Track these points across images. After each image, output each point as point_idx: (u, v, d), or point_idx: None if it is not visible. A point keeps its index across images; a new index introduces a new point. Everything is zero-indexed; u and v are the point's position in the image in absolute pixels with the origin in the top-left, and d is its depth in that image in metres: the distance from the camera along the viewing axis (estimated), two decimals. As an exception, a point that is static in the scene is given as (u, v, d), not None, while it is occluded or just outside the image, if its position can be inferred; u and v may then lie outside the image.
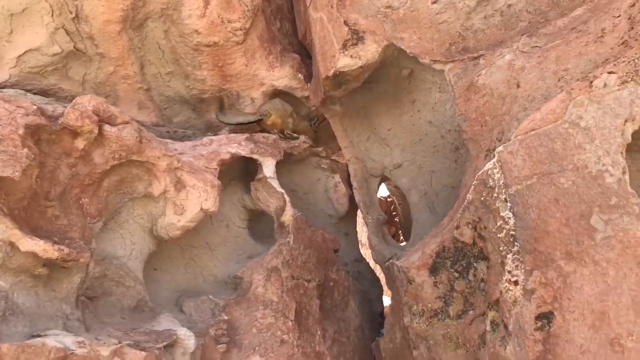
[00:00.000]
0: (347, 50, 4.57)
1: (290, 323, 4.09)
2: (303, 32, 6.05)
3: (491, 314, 3.25)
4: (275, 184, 4.79)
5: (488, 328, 3.26)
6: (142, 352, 3.04)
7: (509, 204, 3.01)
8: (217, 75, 5.56)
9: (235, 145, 4.66)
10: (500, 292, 3.12)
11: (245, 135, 4.93)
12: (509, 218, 3.02)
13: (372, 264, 6.80)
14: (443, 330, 3.64)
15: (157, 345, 3.22)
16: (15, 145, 2.88)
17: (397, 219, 7.34)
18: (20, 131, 2.93)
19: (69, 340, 2.80)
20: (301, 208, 5.15)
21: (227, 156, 4.47)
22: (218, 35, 5.30)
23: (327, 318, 4.59)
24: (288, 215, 4.66)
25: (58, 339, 2.75)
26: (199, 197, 4.04)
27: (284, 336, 4.02)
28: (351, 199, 5.72)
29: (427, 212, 5.40)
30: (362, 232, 8.67)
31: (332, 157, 5.84)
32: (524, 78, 3.70)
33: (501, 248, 3.13)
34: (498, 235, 3.14)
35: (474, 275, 3.46)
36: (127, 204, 3.93)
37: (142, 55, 5.36)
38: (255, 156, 4.75)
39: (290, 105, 5.87)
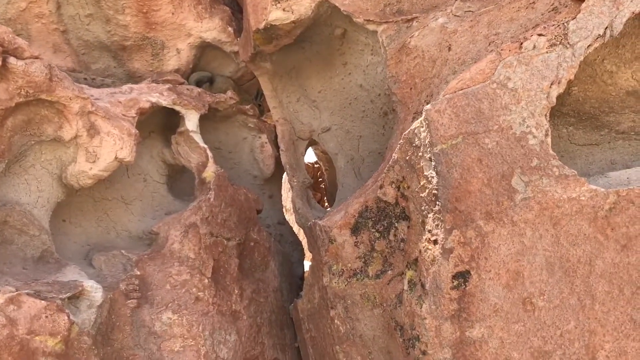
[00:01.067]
0: (279, 2, 4.40)
1: (206, 280, 3.95)
2: (235, -16, 5.83)
3: (409, 273, 3.24)
4: (197, 138, 4.60)
5: (405, 287, 3.25)
6: (42, 302, 2.82)
7: (433, 163, 2.98)
8: (141, 22, 5.25)
9: (156, 95, 4.42)
10: (420, 251, 3.11)
11: (168, 85, 4.69)
12: (432, 177, 2.99)
13: (295, 228, 6.76)
14: (361, 289, 3.62)
15: (60, 296, 3.00)
16: None
17: (323, 185, 7.27)
18: None
19: (-44, 286, 2.56)
20: (225, 167, 4.98)
21: (147, 105, 4.23)
22: (143, -22, 5.00)
23: (246, 278, 4.49)
24: (210, 172, 4.49)
25: (-57, 284, 2.50)
26: (114, 145, 3.80)
27: (199, 293, 3.88)
28: (277, 160, 5.60)
29: (352, 177, 5.36)
30: (287, 198, 8.59)
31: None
32: (456, 41, 3.67)
33: (423, 207, 3.11)
34: (421, 194, 3.11)
35: (395, 235, 3.44)
36: (34, 147, 3.64)
37: (59, -6, 4.98)
38: (177, 107, 4.52)
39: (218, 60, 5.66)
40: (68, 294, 3.07)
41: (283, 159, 5.41)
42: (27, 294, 2.83)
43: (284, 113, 5.52)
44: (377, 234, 3.57)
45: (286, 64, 5.27)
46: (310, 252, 4.31)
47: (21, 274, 3.37)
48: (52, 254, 3.67)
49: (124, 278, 3.76)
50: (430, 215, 3.03)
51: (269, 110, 5.89)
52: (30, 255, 3.56)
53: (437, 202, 2.97)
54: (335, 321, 3.81)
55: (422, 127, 3.08)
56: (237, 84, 5.82)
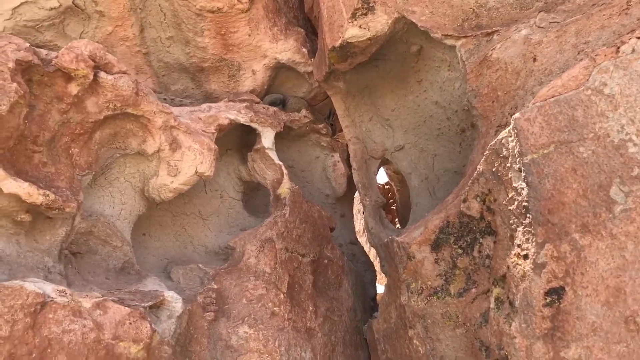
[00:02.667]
0: (356, 20, 4.41)
1: (282, 295, 3.91)
2: (310, 5, 5.89)
3: (496, 291, 3.09)
4: (273, 155, 4.62)
5: (492, 305, 3.10)
6: (126, 308, 2.85)
7: (523, 174, 2.85)
8: (219, 44, 5.39)
9: (234, 112, 4.48)
10: (508, 267, 2.96)
11: (245, 103, 4.75)
12: (522, 189, 2.86)
13: (366, 249, 6.66)
14: (442, 308, 3.48)
15: (143, 304, 3.03)
16: (4, 79, 2.69)
17: (394, 207, 7.15)
18: (10, 65, 2.75)
19: (49, 288, 2.62)
20: (298, 185, 4.98)
21: (226, 121, 4.30)
22: (222, 1, 5.13)
23: (320, 295, 4.42)
24: (285, 188, 4.49)
25: (38, 285, 2.56)
26: (195, 160, 3.86)
27: (275, 308, 3.85)
28: (349, 179, 5.56)
29: (427, 197, 5.25)
30: (357, 219, 8.52)
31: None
32: (541, 52, 3.55)
33: (511, 221, 2.97)
34: (509, 207, 2.98)
35: (479, 252, 3.30)
36: (119, 160, 3.75)
37: (143, 17, 5.18)
38: (254, 125, 4.57)
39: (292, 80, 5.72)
40: (150, 303, 3.09)
41: (355, 178, 5.37)
42: (112, 300, 2.87)
43: (357, 132, 5.50)
44: (459, 250, 3.44)
45: (359, 83, 5.26)
46: (384, 271, 4.22)
47: (104, 283, 3.44)
48: (132, 265, 3.73)
49: (202, 291, 3.77)
50: (520, 228, 2.89)
51: (341, 130, 5.88)
52: (113, 266, 3.63)
53: (528, 215, 2.83)
54: (414, 341, 3.68)
55: (511, 136, 2.96)
56: (309, 105, 5.85)
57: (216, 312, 3.68)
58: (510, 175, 2.96)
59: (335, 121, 6.00)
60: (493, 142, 3.14)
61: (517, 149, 2.90)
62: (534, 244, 2.77)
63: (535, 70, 3.53)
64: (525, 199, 2.83)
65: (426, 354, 3.58)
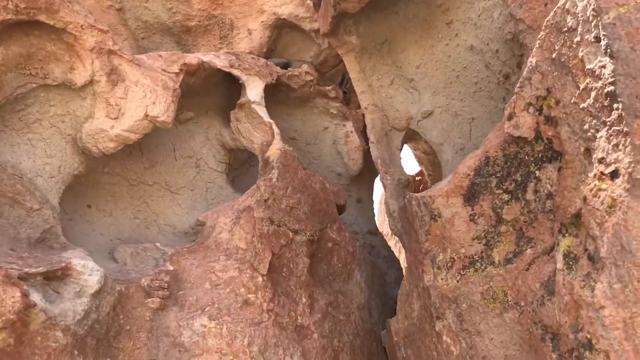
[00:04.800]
0: None
1: (260, 279, 2.84)
2: (315, -51, 4.99)
3: (565, 242, 1.95)
4: (261, 111, 3.62)
5: (559, 266, 1.95)
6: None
7: (603, 43, 1.76)
8: (206, -3, 4.51)
9: (210, 55, 3.53)
10: (584, 198, 1.84)
11: (228, 50, 3.80)
12: (603, 66, 1.76)
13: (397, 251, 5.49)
14: (483, 285, 2.35)
15: (26, 269, 2.02)
16: None
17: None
18: None
19: None
20: (302, 163, 3.95)
21: (194, 61, 3.34)
22: (206, -61, 4.28)
23: (320, 285, 3.32)
24: (274, 149, 3.46)
25: None
26: (144, 99, 2.90)
27: (249, 295, 2.77)
28: (366, 157, 4.50)
29: (463, 171, 4.14)
30: (384, 221, 7.36)
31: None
32: None
33: (586, 125, 1.86)
34: (581, 105, 1.88)
35: (535, 191, 2.18)
36: (39, 94, 2.81)
37: (113, -37, 4.37)
38: (235, 72, 3.59)
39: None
40: (41, 269, 2.08)
41: (373, 153, 4.29)
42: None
43: (375, 99, 4.47)
44: (505, 196, 2.33)
45: (376, 36, 4.27)
46: (406, 240, 3.11)
47: (4, 256, 2.45)
48: (57, 237, 2.75)
49: (151, 273, 2.75)
50: (603, 132, 1.78)
51: (358, 107, 4.86)
52: (26, 235, 2.65)
53: (615, 105, 1.72)
54: (444, 338, 2.54)
55: (579, -8, 1.88)
56: (319, 72, 4.86)
57: (165, 299, 2.65)
58: (581, 54, 1.87)
59: (349, 91, 4.99)
60: (552, 14, 2.06)
61: (590, 8, 1.82)
62: (628, 148, 1.66)
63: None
64: (609, 80, 1.73)
65: (462, 355, 2.43)
